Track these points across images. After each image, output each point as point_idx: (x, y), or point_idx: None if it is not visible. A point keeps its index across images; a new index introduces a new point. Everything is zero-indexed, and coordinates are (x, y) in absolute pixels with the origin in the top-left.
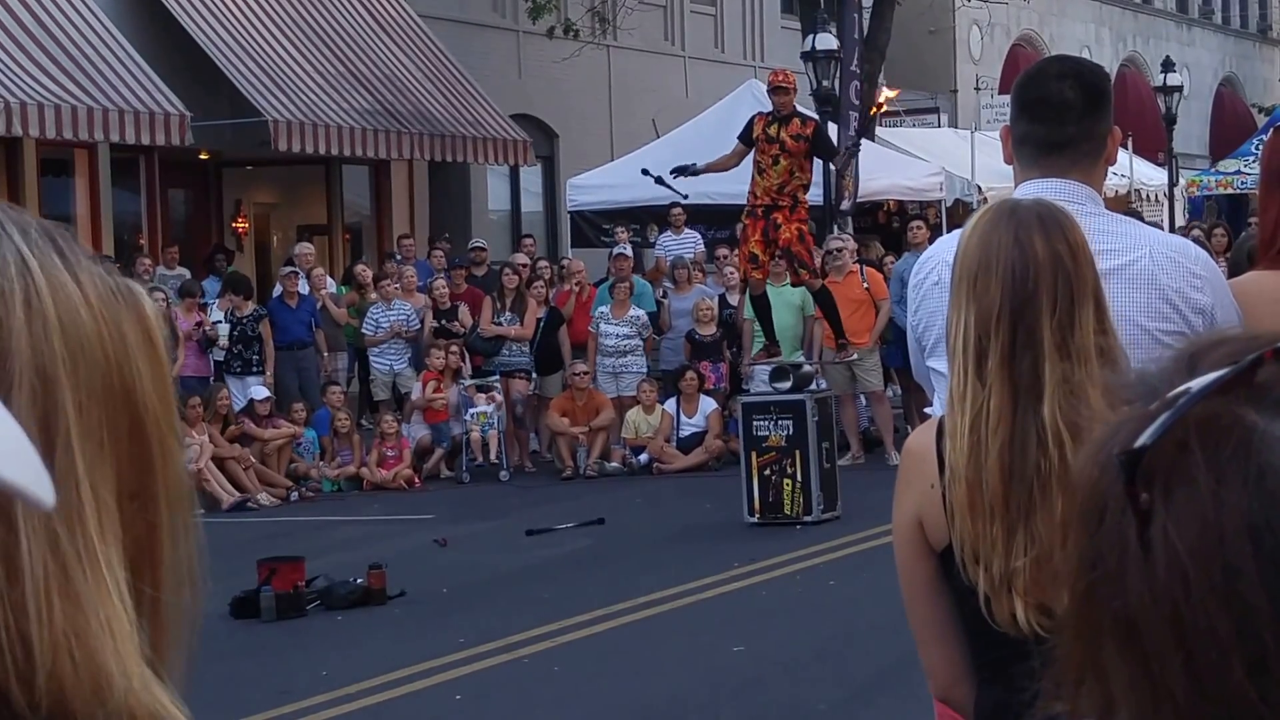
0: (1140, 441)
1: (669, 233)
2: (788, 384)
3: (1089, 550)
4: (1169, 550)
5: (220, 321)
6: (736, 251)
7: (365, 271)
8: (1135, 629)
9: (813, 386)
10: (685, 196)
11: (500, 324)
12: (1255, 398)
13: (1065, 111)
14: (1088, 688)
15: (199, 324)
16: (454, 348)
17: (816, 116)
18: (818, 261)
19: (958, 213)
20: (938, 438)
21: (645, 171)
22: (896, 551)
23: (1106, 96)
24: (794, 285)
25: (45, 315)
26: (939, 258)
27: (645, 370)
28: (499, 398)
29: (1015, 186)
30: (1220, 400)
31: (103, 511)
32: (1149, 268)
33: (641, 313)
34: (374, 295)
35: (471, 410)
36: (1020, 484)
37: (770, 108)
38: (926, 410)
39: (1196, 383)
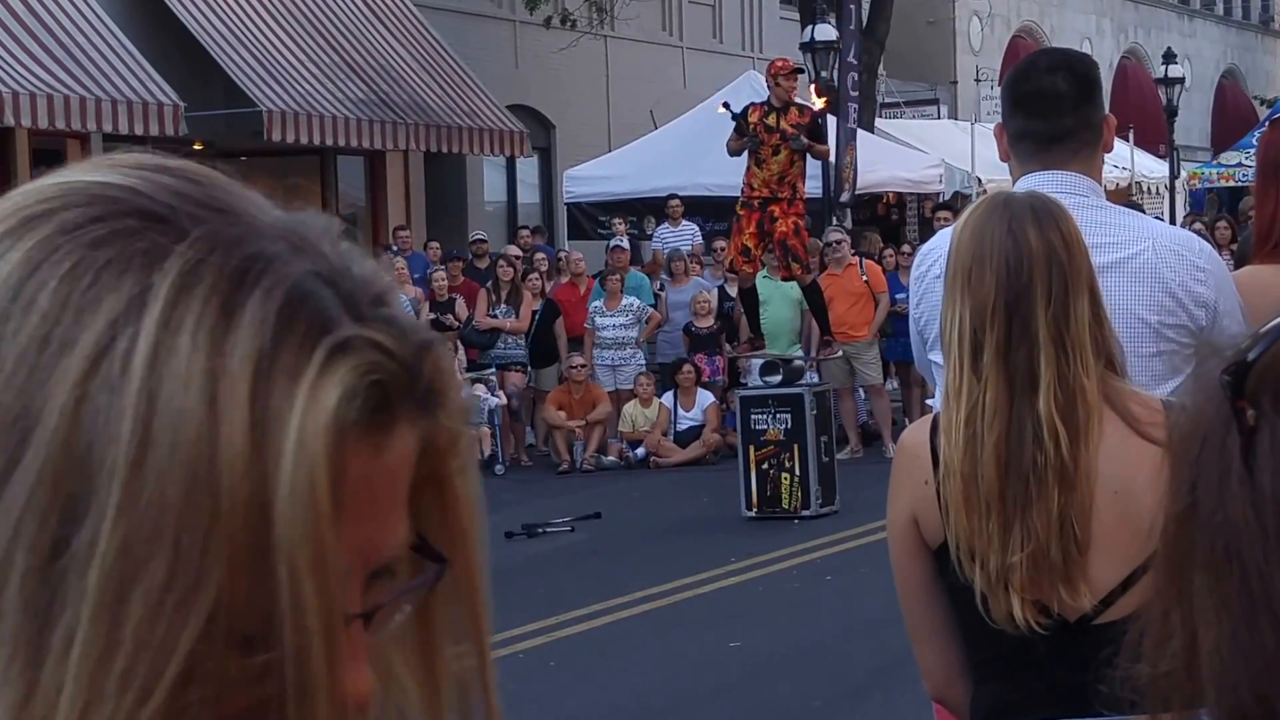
0: (1249, 357)
1: (666, 224)
2: (778, 378)
3: (1187, 475)
4: (1277, 459)
5: None
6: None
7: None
8: (1237, 545)
9: (804, 380)
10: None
11: (495, 316)
12: None
13: (1060, 103)
14: (1174, 618)
15: None
16: (448, 341)
17: (813, 105)
18: (814, 256)
19: (956, 205)
20: (931, 433)
21: (726, 105)
22: (891, 549)
23: (1098, 85)
24: (784, 280)
25: (123, 383)
26: (940, 250)
27: (644, 363)
28: (496, 391)
29: (1014, 182)
30: None
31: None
32: (1152, 260)
33: (636, 300)
34: None
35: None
36: (1016, 478)
37: (765, 98)
38: (928, 402)
39: None
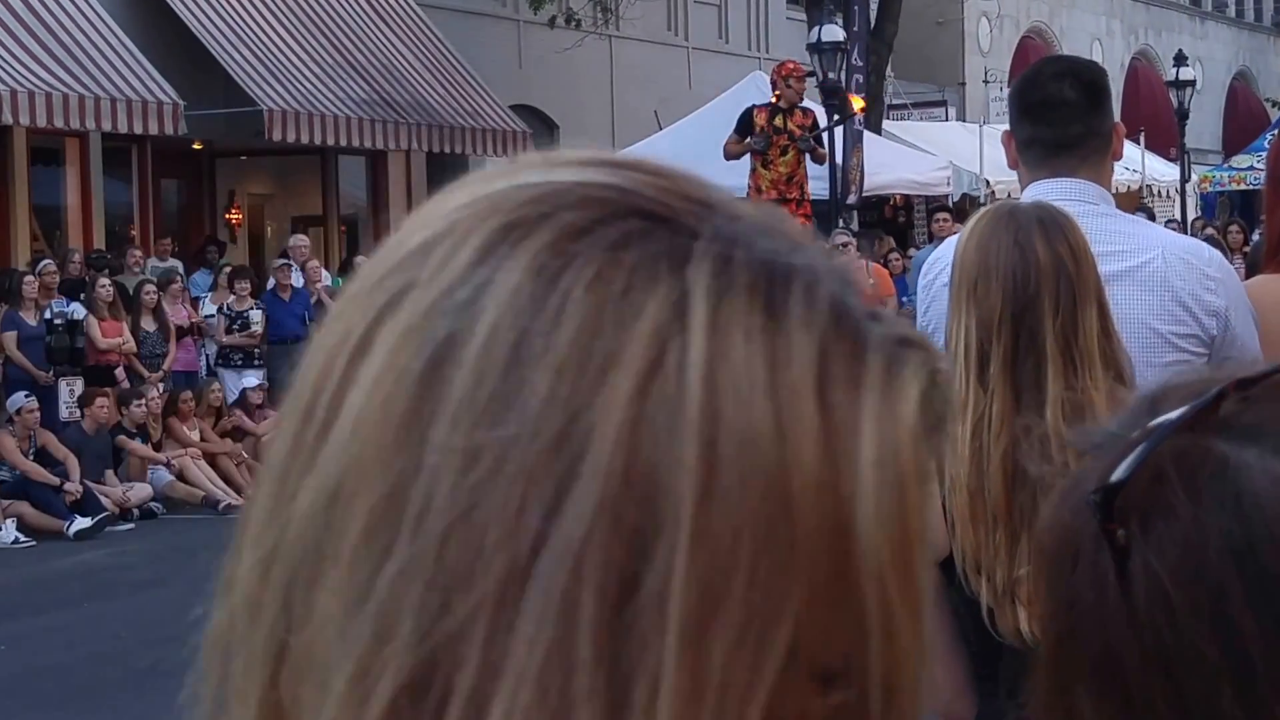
0: (1116, 477)
1: None
2: None
3: (1064, 594)
4: (1150, 579)
5: (212, 316)
6: None
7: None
8: (1118, 665)
9: None
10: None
11: None
12: (1222, 428)
13: (1068, 111)
14: None
15: (190, 320)
16: None
17: (814, 108)
18: None
19: (954, 207)
20: None
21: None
22: None
23: (1106, 92)
24: None
25: (681, 399)
26: (947, 259)
27: None
28: None
29: (1022, 189)
30: (1188, 435)
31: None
32: (1161, 269)
33: None
34: None
35: None
36: (1023, 491)
37: (766, 100)
38: None
39: (1168, 416)
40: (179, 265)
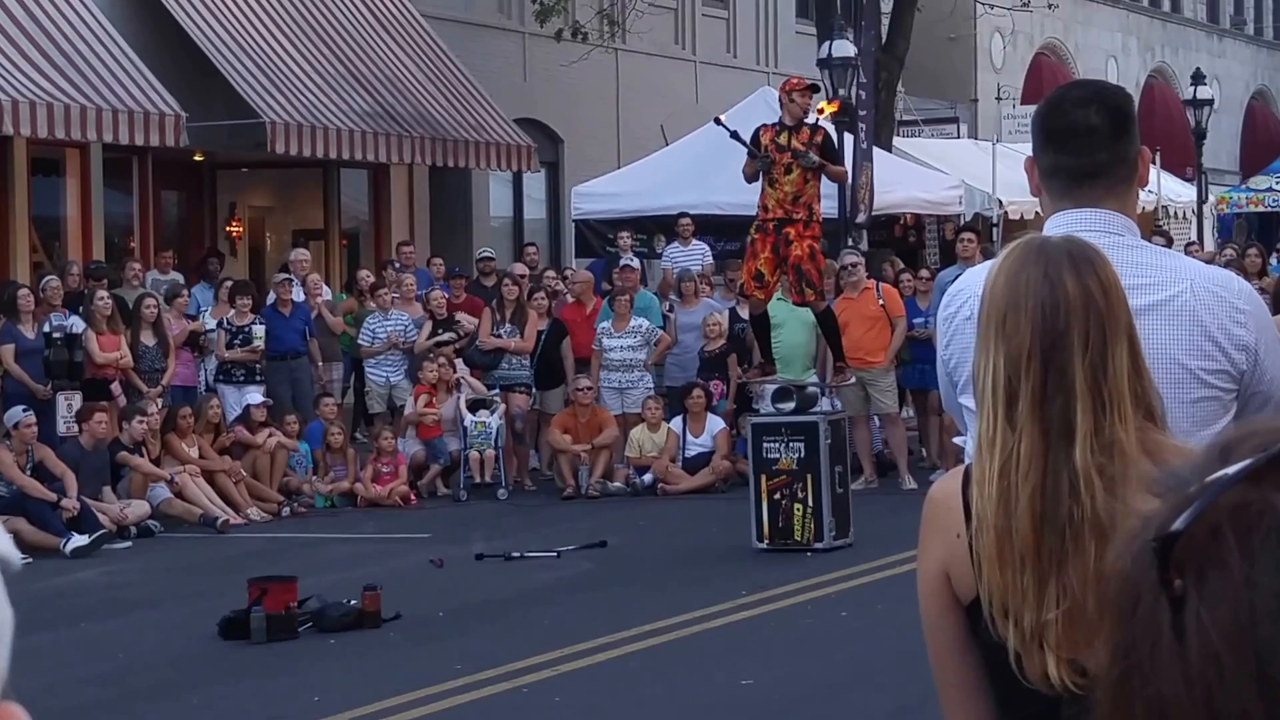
0: (1174, 528)
1: (676, 243)
2: (791, 404)
3: (1122, 639)
4: (1202, 635)
5: (213, 330)
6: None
7: (368, 278)
8: (1169, 714)
9: (818, 407)
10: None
11: (499, 336)
12: None
13: (1093, 138)
14: None
15: (192, 332)
16: (443, 360)
17: (825, 125)
18: (828, 281)
19: (977, 227)
20: (964, 485)
21: (718, 120)
22: (922, 605)
23: (1132, 118)
24: (796, 305)
25: None
26: (970, 291)
27: (652, 386)
28: (499, 413)
29: (1045, 218)
30: (1251, 488)
31: None
32: (1190, 303)
33: (645, 321)
34: (373, 304)
35: (470, 419)
36: (1052, 532)
37: (777, 119)
38: (956, 440)
39: (1230, 469)
40: (180, 279)
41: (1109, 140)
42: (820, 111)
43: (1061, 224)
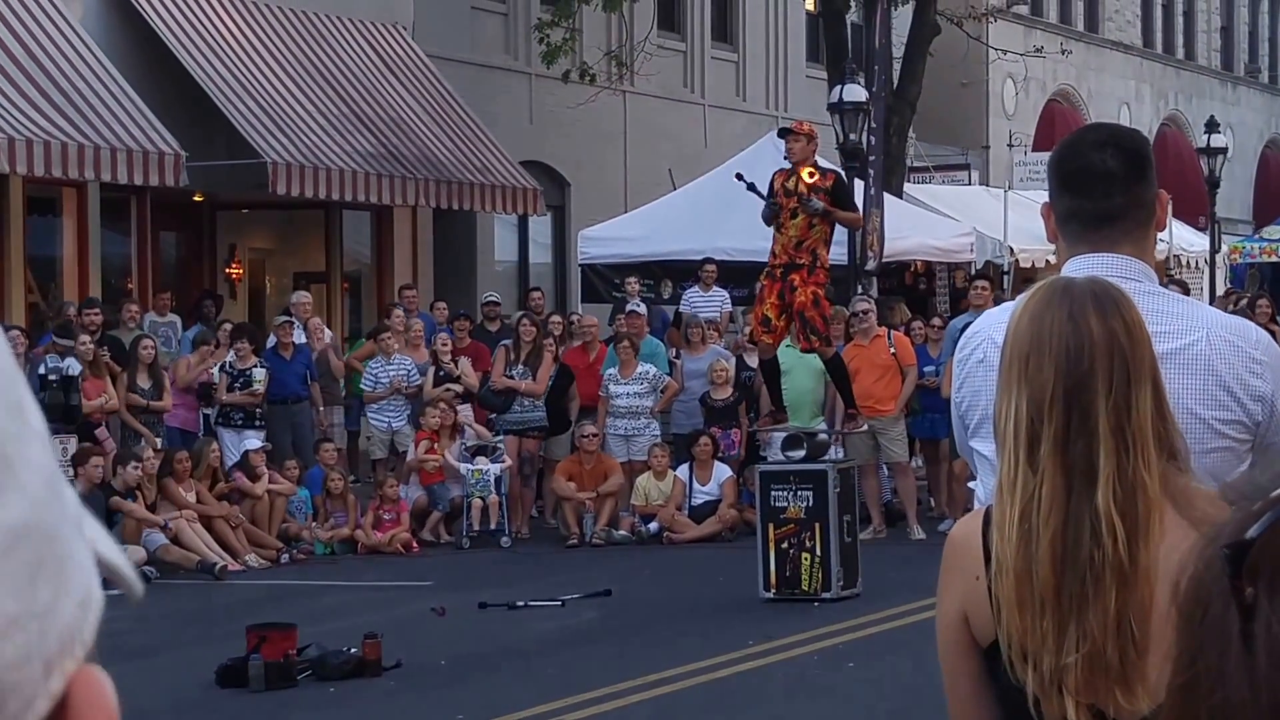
0: (1248, 535)
1: (696, 288)
2: (801, 453)
3: (1191, 644)
4: (1271, 644)
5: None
6: (750, 312)
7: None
8: None
9: (828, 456)
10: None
11: (512, 377)
12: None
13: (1110, 182)
14: None
15: (208, 382)
16: (445, 406)
17: (836, 168)
18: (838, 327)
19: (989, 274)
20: (984, 527)
21: (739, 176)
22: (940, 648)
23: (1149, 161)
24: (804, 352)
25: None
26: (985, 334)
27: (659, 434)
28: (505, 460)
29: (1061, 263)
30: None
31: None
32: (1205, 352)
33: (652, 368)
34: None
35: (466, 467)
36: (1073, 575)
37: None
38: (971, 486)
39: None
40: (177, 320)
41: (1126, 183)
42: (812, 175)
43: (1078, 269)
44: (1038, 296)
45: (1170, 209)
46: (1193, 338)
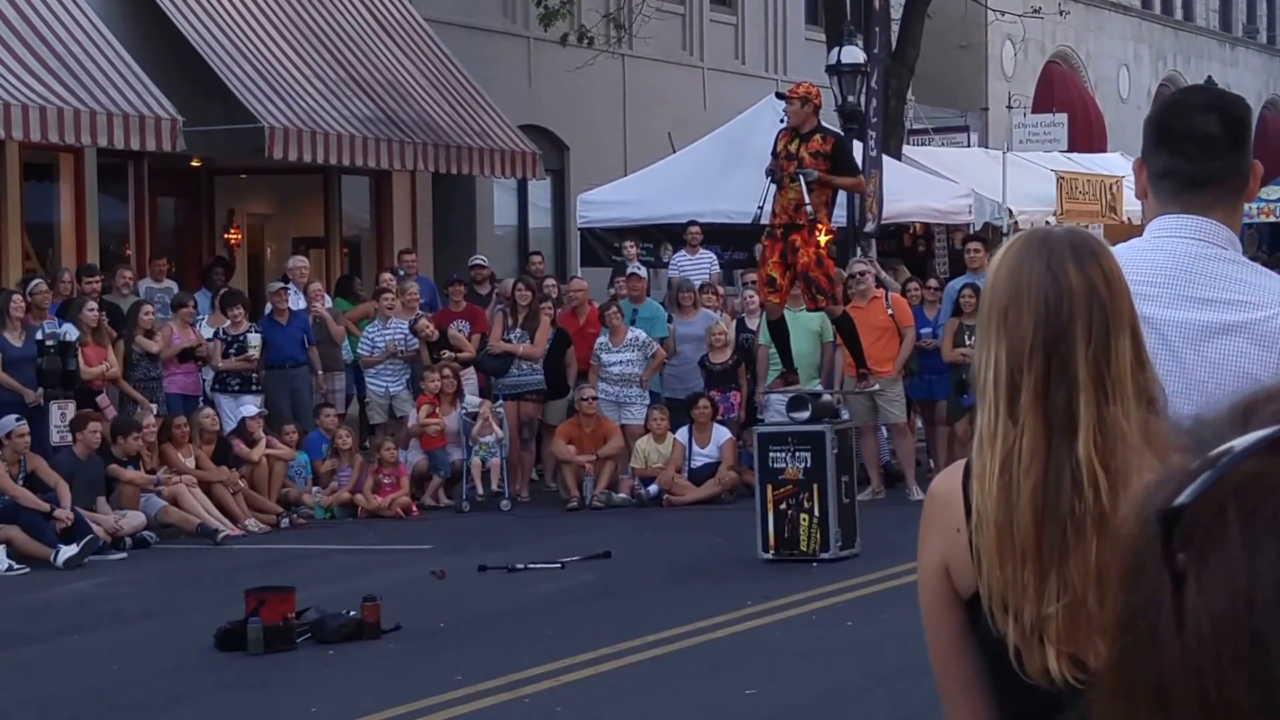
0: (1179, 500)
1: (684, 252)
2: (806, 414)
3: (1126, 610)
4: (1198, 618)
5: (211, 339)
6: (755, 273)
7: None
8: (1166, 695)
9: (835, 417)
10: (774, 166)
11: (510, 340)
12: None
13: (1210, 146)
14: None
15: (197, 345)
16: (448, 371)
17: (839, 131)
18: (839, 287)
19: (988, 236)
20: (964, 479)
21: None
22: (922, 601)
23: (1249, 130)
24: (810, 311)
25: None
26: None
27: (648, 399)
28: (500, 429)
29: (1147, 221)
30: (1266, 459)
31: None
32: None
33: (642, 334)
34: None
35: (476, 439)
36: (1053, 526)
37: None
38: None
39: (1240, 441)
40: (175, 287)
41: (1226, 149)
42: (823, 140)
43: (1164, 228)
44: (1015, 247)
45: (1261, 179)
46: (1271, 311)
